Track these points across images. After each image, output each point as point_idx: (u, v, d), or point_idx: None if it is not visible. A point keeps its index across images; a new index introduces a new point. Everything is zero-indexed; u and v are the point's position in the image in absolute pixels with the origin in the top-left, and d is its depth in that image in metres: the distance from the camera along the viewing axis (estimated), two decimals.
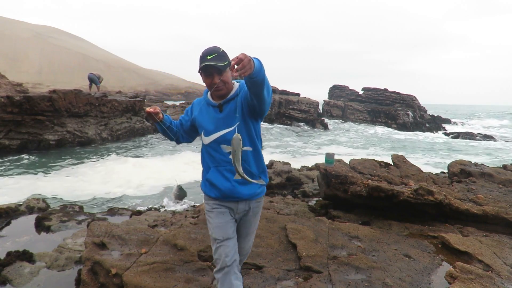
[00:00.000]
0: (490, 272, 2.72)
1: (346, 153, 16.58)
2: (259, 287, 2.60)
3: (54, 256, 3.57)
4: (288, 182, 7.10)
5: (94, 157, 12.56)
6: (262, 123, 2.54)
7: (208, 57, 1.91)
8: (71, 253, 3.66)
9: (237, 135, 1.85)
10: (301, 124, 26.09)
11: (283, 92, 31.00)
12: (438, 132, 31.02)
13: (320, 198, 5.14)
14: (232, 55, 1.90)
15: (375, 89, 34.96)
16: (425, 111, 35.65)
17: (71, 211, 5.22)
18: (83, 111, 14.61)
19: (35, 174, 9.91)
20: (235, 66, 1.60)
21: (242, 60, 1.60)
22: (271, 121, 26.93)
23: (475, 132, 31.29)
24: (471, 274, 2.55)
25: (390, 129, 27.96)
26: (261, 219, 3.76)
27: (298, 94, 31.00)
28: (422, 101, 37.59)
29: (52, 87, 17.10)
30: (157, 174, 10.16)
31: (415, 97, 34.47)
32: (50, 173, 10.04)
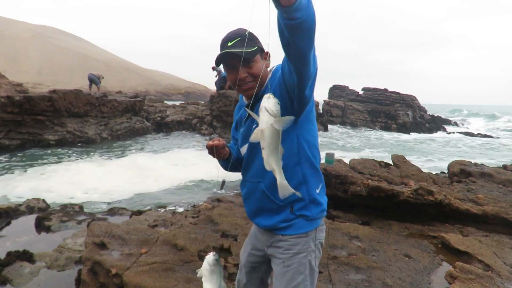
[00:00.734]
0: (490, 272, 2.72)
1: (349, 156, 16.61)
2: None
3: (54, 256, 3.57)
4: None
5: (94, 155, 12.57)
6: None
7: (229, 43, 1.39)
8: (71, 253, 3.66)
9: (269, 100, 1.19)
10: None
11: None
12: (448, 132, 31.09)
13: None
14: None
15: (375, 89, 34.94)
16: (425, 111, 35.63)
17: (71, 211, 5.22)
18: (83, 111, 14.61)
19: (30, 173, 9.91)
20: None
21: None
22: None
23: (475, 132, 31.30)
24: (471, 274, 2.55)
25: (395, 133, 27.85)
26: None
27: None
28: (422, 101, 37.58)
29: (52, 87, 17.11)
30: (158, 173, 10.16)
31: (415, 97, 34.45)
32: (46, 172, 10.03)
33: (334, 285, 2.61)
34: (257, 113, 1.29)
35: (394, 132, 28.22)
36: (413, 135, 27.84)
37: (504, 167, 5.91)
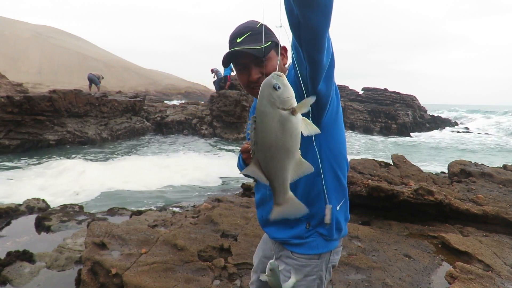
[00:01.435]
0: (490, 272, 2.72)
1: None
2: None
3: (54, 256, 3.57)
4: None
5: (99, 155, 12.57)
6: None
7: (238, 40, 1.22)
8: (71, 253, 3.66)
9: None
10: None
11: None
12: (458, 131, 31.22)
13: None
14: None
15: (375, 89, 34.94)
16: (425, 111, 35.64)
17: (71, 211, 5.22)
18: (83, 111, 14.60)
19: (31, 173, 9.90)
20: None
21: None
22: None
23: (475, 132, 31.31)
24: (471, 274, 2.55)
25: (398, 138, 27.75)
26: None
27: None
28: (422, 101, 37.59)
29: (52, 87, 17.11)
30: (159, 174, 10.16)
31: (415, 97, 34.46)
32: (47, 172, 10.03)
33: (334, 285, 2.61)
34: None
35: (394, 132, 28.19)
36: (414, 137, 27.83)
37: (504, 167, 5.91)
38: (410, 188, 4.04)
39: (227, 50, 1.26)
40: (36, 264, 3.46)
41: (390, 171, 4.99)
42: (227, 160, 12.25)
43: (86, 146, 14.00)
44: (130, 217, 4.86)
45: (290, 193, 1.01)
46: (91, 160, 12.01)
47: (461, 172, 5.24)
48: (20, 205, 5.47)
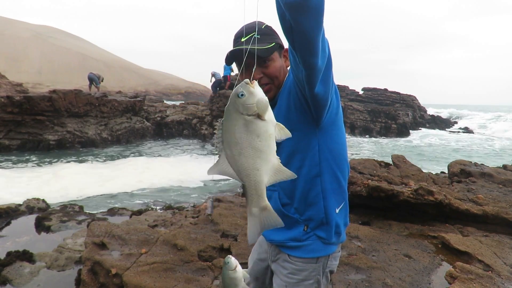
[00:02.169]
0: (490, 272, 2.72)
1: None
2: None
3: (54, 256, 3.57)
4: None
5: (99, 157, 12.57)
6: None
7: (243, 39, 1.21)
8: (71, 253, 3.66)
9: None
10: None
11: None
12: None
13: None
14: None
15: (375, 89, 34.96)
16: (425, 111, 35.66)
17: (71, 211, 5.22)
18: (83, 111, 14.60)
19: (36, 173, 9.90)
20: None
21: None
22: None
23: (475, 131, 31.33)
24: (471, 274, 2.55)
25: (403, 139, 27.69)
26: None
27: None
28: (422, 101, 37.61)
29: (52, 87, 17.11)
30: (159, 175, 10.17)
31: (415, 97, 34.47)
32: (49, 173, 10.03)
33: (334, 285, 2.61)
34: (275, 112, 1.11)
35: (394, 132, 28.19)
36: (414, 135, 27.83)
37: (504, 167, 5.91)
38: (410, 188, 4.04)
39: (230, 48, 1.27)
40: (36, 264, 3.46)
41: (390, 171, 4.99)
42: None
43: (85, 148, 13.97)
44: (130, 217, 4.86)
45: (267, 203, 0.97)
46: (92, 162, 12.01)
47: (461, 172, 5.24)
48: (20, 205, 5.47)
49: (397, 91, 34.31)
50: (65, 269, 3.42)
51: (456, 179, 5.06)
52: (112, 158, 12.69)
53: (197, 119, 18.10)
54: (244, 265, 2.81)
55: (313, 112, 1.16)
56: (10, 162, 11.13)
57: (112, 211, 5.45)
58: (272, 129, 0.91)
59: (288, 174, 0.93)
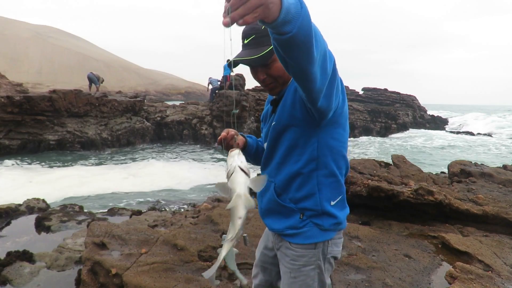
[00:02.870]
0: (490, 272, 2.72)
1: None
2: None
3: (54, 256, 3.57)
4: None
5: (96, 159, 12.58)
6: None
7: (246, 41, 1.28)
8: (71, 253, 3.66)
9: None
10: None
11: None
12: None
13: None
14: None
15: (375, 89, 34.97)
16: (425, 111, 35.65)
17: (71, 211, 5.22)
18: (83, 111, 14.61)
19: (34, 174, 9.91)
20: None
21: None
22: None
23: (475, 132, 31.34)
24: (471, 274, 2.55)
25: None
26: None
27: None
28: (422, 101, 37.61)
29: (52, 87, 17.10)
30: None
31: (415, 97, 34.47)
32: (48, 174, 10.04)
33: (334, 285, 2.61)
34: (280, 107, 1.30)
35: (394, 132, 28.21)
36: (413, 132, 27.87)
37: (504, 167, 5.91)
38: (410, 188, 4.04)
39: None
40: (36, 264, 3.46)
41: (390, 171, 4.99)
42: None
43: (85, 150, 13.95)
44: (130, 217, 4.86)
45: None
46: (92, 164, 12.02)
47: (461, 172, 5.24)
48: (20, 205, 5.47)
49: (397, 91, 34.32)
50: (65, 269, 3.42)
51: (456, 179, 5.06)
52: (113, 161, 12.69)
53: (197, 119, 18.10)
54: (243, 265, 2.81)
55: (316, 116, 1.22)
56: (11, 164, 11.13)
57: (112, 211, 5.45)
58: (243, 178, 1.05)
59: (253, 203, 1.04)
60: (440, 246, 3.37)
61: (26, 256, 3.51)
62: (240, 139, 1.33)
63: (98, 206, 7.15)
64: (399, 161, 5.41)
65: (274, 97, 1.42)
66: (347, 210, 1.45)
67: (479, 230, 3.82)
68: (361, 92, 35.78)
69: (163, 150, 15.65)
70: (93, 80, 16.86)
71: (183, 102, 22.94)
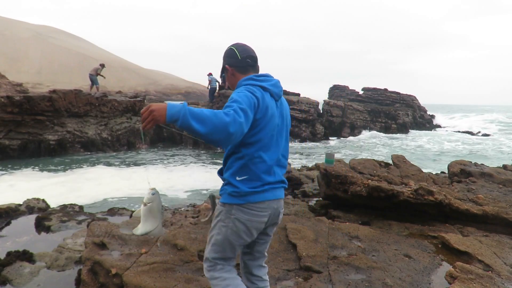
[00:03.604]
0: (490, 272, 2.72)
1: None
2: None
3: (54, 256, 3.57)
4: (288, 182, 7.10)
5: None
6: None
7: None
8: (71, 253, 3.66)
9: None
10: (302, 131, 25.68)
11: (283, 92, 30.87)
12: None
13: (320, 198, 5.14)
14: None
15: (375, 89, 34.95)
16: (425, 111, 35.66)
17: (71, 211, 5.21)
18: (83, 111, 14.60)
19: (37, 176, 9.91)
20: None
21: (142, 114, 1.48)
22: None
23: (475, 131, 31.35)
24: (471, 274, 2.55)
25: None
26: None
27: (298, 94, 30.95)
28: (422, 101, 37.57)
29: (52, 87, 17.10)
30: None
31: (415, 97, 34.46)
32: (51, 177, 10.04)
33: (334, 285, 2.61)
34: None
35: (394, 132, 28.21)
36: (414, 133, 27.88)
37: (504, 167, 5.91)
38: (410, 188, 4.04)
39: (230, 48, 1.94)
40: (36, 264, 3.46)
41: (390, 171, 4.99)
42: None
43: (86, 152, 13.92)
44: (130, 217, 4.86)
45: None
46: (93, 166, 12.00)
47: (461, 172, 5.24)
48: (20, 205, 5.46)
49: (397, 91, 34.30)
50: (65, 269, 3.42)
51: (456, 179, 5.06)
52: (113, 164, 12.69)
53: None
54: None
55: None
56: (10, 166, 11.13)
57: (112, 211, 5.44)
58: (146, 213, 1.89)
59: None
60: (440, 246, 3.37)
61: (26, 256, 3.51)
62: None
63: (98, 207, 7.15)
64: (399, 161, 5.41)
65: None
66: (253, 185, 1.79)
67: (479, 230, 3.82)
68: (361, 92, 35.76)
69: (163, 152, 15.67)
70: (93, 81, 16.85)
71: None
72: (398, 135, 26.95)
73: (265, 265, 2.10)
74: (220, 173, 1.94)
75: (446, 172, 5.78)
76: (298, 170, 8.01)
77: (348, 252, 3.12)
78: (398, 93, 34.00)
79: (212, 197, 2.20)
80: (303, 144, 21.40)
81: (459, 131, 31.53)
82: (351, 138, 25.30)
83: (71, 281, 3.17)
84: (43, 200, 5.83)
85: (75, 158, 12.94)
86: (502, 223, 3.81)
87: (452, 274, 2.56)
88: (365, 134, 26.57)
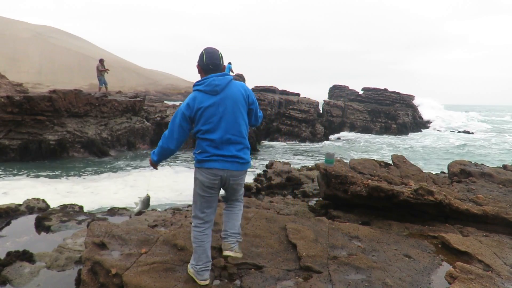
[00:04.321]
0: (490, 272, 2.72)
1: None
2: (259, 287, 2.59)
3: (54, 256, 3.57)
4: (288, 182, 7.10)
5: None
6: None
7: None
8: (71, 253, 3.66)
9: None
10: (302, 131, 25.70)
11: (283, 92, 30.93)
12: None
13: (320, 198, 5.14)
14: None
15: (375, 89, 34.97)
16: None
17: (71, 211, 5.21)
18: (83, 111, 14.60)
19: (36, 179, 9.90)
20: None
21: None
22: (271, 120, 26.90)
23: (474, 131, 31.37)
24: (471, 274, 2.55)
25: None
26: (261, 218, 3.77)
27: (298, 94, 31.00)
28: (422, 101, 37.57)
29: (52, 87, 17.09)
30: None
31: (414, 97, 34.49)
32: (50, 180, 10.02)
33: (334, 285, 2.61)
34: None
35: (394, 132, 28.21)
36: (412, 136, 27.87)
37: (504, 167, 5.91)
38: (410, 188, 4.04)
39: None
40: (36, 264, 3.46)
41: (390, 171, 4.99)
42: None
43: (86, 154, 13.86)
44: (130, 217, 4.86)
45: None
46: (94, 168, 11.99)
47: (461, 172, 5.24)
48: (20, 205, 5.47)
49: (397, 91, 34.31)
50: (65, 269, 3.42)
51: (456, 179, 5.06)
52: (115, 167, 12.66)
53: None
54: (244, 265, 2.81)
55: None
56: (10, 167, 11.11)
57: (112, 211, 5.45)
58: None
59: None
60: (440, 246, 3.37)
61: (26, 256, 3.51)
62: None
63: (99, 207, 7.15)
64: (399, 161, 5.41)
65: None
66: (204, 156, 2.45)
67: (479, 230, 3.82)
68: (361, 92, 35.77)
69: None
70: (100, 81, 16.85)
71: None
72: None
73: (241, 200, 2.84)
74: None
75: (446, 172, 5.78)
76: (298, 170, 8.01)
77: (348, 252, 3.12)
78: (398, 93, 34.01)
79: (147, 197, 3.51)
80: (303, 144, 21.40)
81: (459, 131, 31.52)
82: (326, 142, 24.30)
83: (71, 281, 3.18)
84: (43, 200, 5.83)
85: (76, 165, 12.87)
86: (502, 223, 3.81)
87: (452, 274, 2.56)
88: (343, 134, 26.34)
